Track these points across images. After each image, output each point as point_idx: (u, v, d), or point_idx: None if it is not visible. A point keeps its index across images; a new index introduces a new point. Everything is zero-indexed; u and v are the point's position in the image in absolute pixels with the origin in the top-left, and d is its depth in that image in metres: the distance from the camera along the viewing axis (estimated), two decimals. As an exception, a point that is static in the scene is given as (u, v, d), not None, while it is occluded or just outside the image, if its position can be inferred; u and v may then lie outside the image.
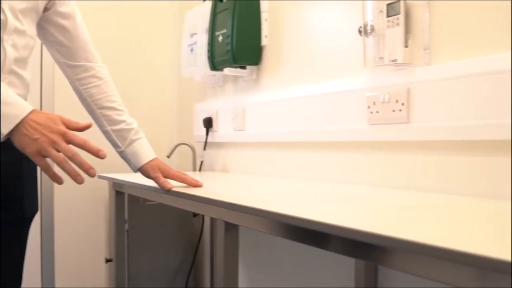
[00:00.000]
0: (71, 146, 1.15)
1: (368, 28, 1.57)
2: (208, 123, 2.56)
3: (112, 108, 1.53)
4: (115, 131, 1.52)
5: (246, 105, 2.28)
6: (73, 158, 1.13)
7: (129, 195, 2.37)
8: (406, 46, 1.49)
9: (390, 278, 1.61)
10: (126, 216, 2.40)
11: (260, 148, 2.22)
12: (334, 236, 0.90)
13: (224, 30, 2.21)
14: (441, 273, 0.71)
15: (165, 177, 1.52)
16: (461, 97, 1.33)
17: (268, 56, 2.19)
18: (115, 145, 1.54)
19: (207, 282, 2.75)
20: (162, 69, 3.06)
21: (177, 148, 2.77)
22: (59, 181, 1.16)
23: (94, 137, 1.30)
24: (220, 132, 2.52)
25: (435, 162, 1.42)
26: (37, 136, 1.12)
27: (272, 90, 2.14)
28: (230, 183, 1.83)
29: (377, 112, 1.56)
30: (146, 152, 1.54)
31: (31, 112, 1.15)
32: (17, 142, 1.14)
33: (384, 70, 1.55)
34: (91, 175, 1.13)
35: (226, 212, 1.27)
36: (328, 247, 0.95)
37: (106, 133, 1.54)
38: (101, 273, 2.85)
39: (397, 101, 1.49)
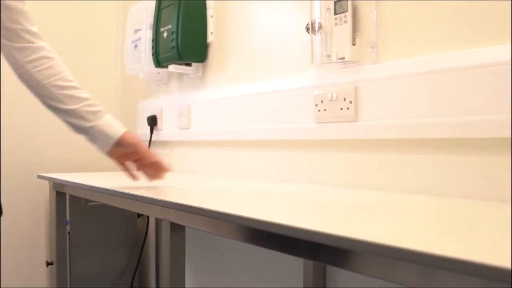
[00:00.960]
0: None
1: (316, 25, 1.56)
2: (152, 121, 2.51)
3: (73, 87, 1.45)
4: (84, 106, 1.43)
5: (191, 103, 2.24)
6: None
7: (71, 196, 2.30)
8: (354, 44, 1.48)
9: (338, 278, 1.61)
10: (67, 218, 2.33)
11: (206, 147, 2.19)
12: (282, 235, 0.88)
13: (169, 26, 2.17)
14: (390, 271, 0.70)
15: (140, 160, 1.50)
16: (408, 95, 1.33)
17: (214, 53, 2.16)
18: (83, 121, 1.43)
19: (152, 283, 2.70)
20: (105, 66, 2.98)
21: (121, 147, 2.70)
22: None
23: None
24: (164, 130, 2.47)
25: (384, 161, 1.42)
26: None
27: (218, 87, 2.11)
28: (175, 182, 1.79)
29: (325, 110, 1.55)
30: (119, 123, 1.48)
31: None
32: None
33: (332, 68, 1.54)
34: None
35: (172, 212, 1.23)
36: (277, 247, 0.93)
37: (69, 112, 1.43)
38: (42, 277, 2.76)
39: (345, 99, 1.49)
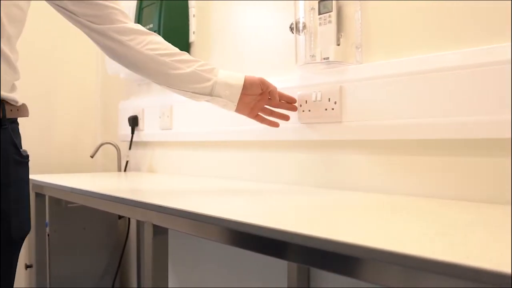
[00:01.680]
0: None
1: (300, 25, 1.55)
2: (133, 121, 2.47)
3: (180, 53, 1.41)
4: (199, 67, 1.39)
5: (173, 103, 2.21)
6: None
7: (50, 197, 2.26)
8: (338, 44, 1.47)
9: (323, 278, 1.60)
10: (47, 220, 2.29)
11: (188, 147, 2.16)
12: (266, 238, 0.86)
13: (151, 25, 2.14)
14: (373, 273, 0.69)
15: (272, 95, 1.49)
16: (393, 96, 1.33)
17: (196, 52, 2.13)
18: (204, 81, 1.40)
19: (134, 284, 2.67)
20: (85, 66, 2.94)
21: (101, 148, 2.66)
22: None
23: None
24: (146, 131, 2.44)
25: (370, 161, 1.41)
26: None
27: (201, 87, 2.08)
28: (157, 183, 1.77)
29: (309, 110, 1.54)
30: (234, 73, 1.45)
31: None
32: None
33: (316, 68, 1.53)
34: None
35: (155, 215, 1.21)
36: (260, 250, 0.91)
37: (187, 76, 1.38)
38: (21, 280, 2.71)
39: (329, 99, 1.48)
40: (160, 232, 1.25)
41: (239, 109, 1.46)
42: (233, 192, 1.44)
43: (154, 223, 1.23)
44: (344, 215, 0.98)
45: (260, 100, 1.48)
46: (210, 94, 1.42)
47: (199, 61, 1.40)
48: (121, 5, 1.41)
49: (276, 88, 1.48)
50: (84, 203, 1.61)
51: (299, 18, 1.55)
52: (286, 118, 1.53)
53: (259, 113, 1.50)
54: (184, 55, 1.40)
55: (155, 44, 1.39)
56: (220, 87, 1.41)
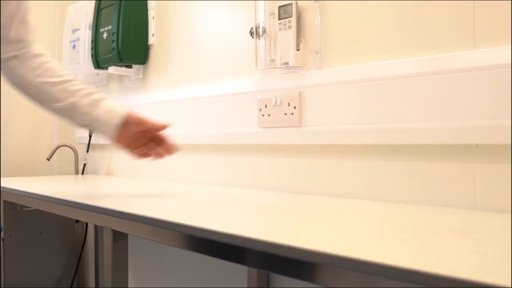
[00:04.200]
0: None
1: (260, 30, 1.56)
2: (91, 124, 2.44)
3: (65, 81, 1.39)
4: (85, 95, 1.38)
5: (132, 106, 2.19)
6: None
7: (5, 201, 2.21)
8: (298, 50, 1.49)
9: (283, 279, 1.60)
10: (1, 224, 2.24)
11: (148, 150, 2.14)
12: (225, 244, 0.86)
13: (109, 27, 2.12)
14: (331, 279, 0.70)
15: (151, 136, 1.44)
16: (351, 101, 1.34)
17: (155, 55, 2.12)
18: (88, 108, 1.37)
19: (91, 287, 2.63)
20: (41, 66, 2.88)
21: (58, 150, 2.62)
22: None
23: None
24: (104, 133, 2.40)
25: (329, 166, 1.43)
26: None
27: (160, 90, 2.07)
28: (115, 187, 1.75)
29: (269, 115, 1.54)
30: (118, 106, 1.41)
31: None
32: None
33: (276, 73, 1.54)
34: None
35: (115, 220, 1.20)
36: (220, 255, 0.91)
37: (72, 105, 1.37)
38: (-27, 285, 2.65)
39: (289, 104, 1.49)
40: (119, 237, 1.24)
41: (117, 142, 1.42)
42: (192, 196, 1.43)
43: (113, 229, 1.22)
44: (305, 220, 0.98)
45: (140, 138, 1.43)
46: (87, 126, 1.45)
47: (82, 89, 1.39)
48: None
49: (159, 130, 1.44)
50: (41, 207, 1.58)
51: (259, 23, 1.56)
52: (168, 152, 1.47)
53: (135, 150, 1.44)
54: (72, 82, 1.40)
55: (44, 69, 1.40)
56: (97, 124, 1.39)
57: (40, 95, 1.39)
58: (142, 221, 1.08)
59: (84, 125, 1.42)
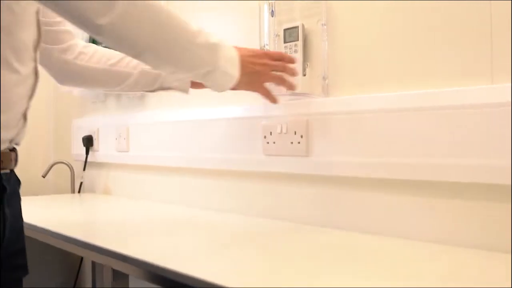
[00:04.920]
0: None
1: (265, 52, 1.49)
2: (88, 142, 2.36)
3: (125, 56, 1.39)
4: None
5: (130, 125, 2.12)
6: (285, 70, 1.31)
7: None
8: (304, 75, 1.42)
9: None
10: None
11: (146, 171, 2.07)
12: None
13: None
14: None
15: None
16: (362, 133, 1.27)
17: (154, 72, 2.05)
18: (151, 79, 1.40)
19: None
20: (36, 80, 2.81)
21: (54, 167, 2.54)
22: (277, 101, 1.36)
23: None
24: (101, 151, 2.33)
25: (337, 197, 1.36)
26: (258, 68, 1.25)
27: (160, 110, 2.00)
28: (114, 211, 1.69)
29: (274, 142, 1.47)
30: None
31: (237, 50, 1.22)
32: (244, 82, 1.23)
33: (282, 99, 1.47)
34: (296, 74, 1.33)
35: (114, 261, 1.13)
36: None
37: (134, 81, 1.39)
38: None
39: (295, 132, 1.42)
40: (120, 277, 1.18)
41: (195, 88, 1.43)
42: (195, 225, 1.37)
43: (114, 268, 1.15)
44: (305, 261, 0.92)
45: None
46: (160, 89, 1.43)
47: None
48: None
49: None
50: (34, 236, 1.50)
51: (264, 45, 1.50)
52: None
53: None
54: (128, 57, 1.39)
55: (100, 55, 1.40)
56: (169, 79, 1.40)
57: (110, 78, 1.39)
58: (143, 266, 1.02)
59: (154, 90, 1.43)
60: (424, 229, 1.18)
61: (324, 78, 1.39)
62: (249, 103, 1.55)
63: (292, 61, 1.34)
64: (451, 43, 1.14)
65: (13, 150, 1.08)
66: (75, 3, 0.93)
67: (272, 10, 1.47)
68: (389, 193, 1.25)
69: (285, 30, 1.45)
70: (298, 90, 1.40)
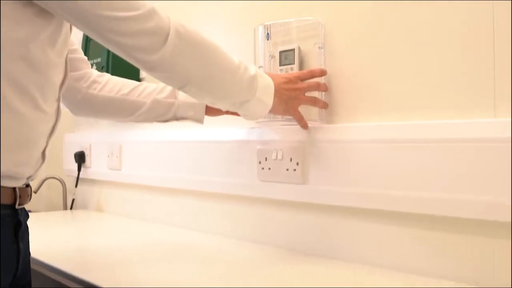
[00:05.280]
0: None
1: (259, 74, 1.44)
2: (80, 158, 2.31)
3: (138, 84, 1.40)
4: (159, 92, 1.38)
5: (123, 142, 2.07)
6: (319, 88, 1.31)
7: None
8: (301, 99, 1.37)
9: None
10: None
11: (139, 190, 2.02)
12: None
13: (98, 59, 2.01)
14: None
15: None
16: (359, 163, 1.23)
17: (147, 90, 2.00)
18: (165, 109, 1.38)
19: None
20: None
21: (46, 182, 2.49)
22: (307, 127, 1.33)
23: None
24: (93, 168, 2.28)
25: (330, 227, 1.32)
26: (292, 94, 1.26)
27: (153, 128, 1.95)
28: (108, 234, 1.64)
29: (269, 168, 1.43)
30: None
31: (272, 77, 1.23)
32: (280, 108, 1.26)
33: (277, 123, 1.43)
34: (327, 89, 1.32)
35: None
36: None
37: (148, 110, 1.37)
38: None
39: (291, 159, 1.37)
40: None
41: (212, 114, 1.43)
42: (190, 256, 1.32)
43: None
44: None
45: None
46: (174, 119, 1.39)
47: (157, 85, 1.38)
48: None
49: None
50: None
51: (259, 67, 1.45)
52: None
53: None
54: (142, 85, 1.38)
55: (113, 84, 1.38)
56: (183, 109, 1.38)
57: (123, 107, 1.37)
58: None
59: (168, 120, 1.40)
60: (416, 262, 1.14)
61: (321, 104, 1.35)
62: (245, 125, 1.51)
63: (324, 73, 1.32)
64: (453, 73, 1.10)
65: (28, 185, 1.07)
66: (126, 41, 0.97)
67: (268, 33, 1.43)
68: (384, 224, 1.21)
69: (281, 52, 1.41)
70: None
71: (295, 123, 1.35)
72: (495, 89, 1.03)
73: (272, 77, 1.24)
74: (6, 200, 0.97)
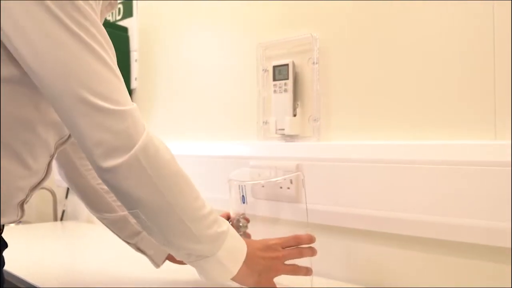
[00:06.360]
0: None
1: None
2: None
3: None
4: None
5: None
6: (303, 255, 1.11)
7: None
8: (295, 115, 1.35)
9: None
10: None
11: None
12: None
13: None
14: None
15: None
16: (356, 182, 1.20)
17: (138, 101, 1.97)
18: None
19: None
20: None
21: (36, 193, 2.45)
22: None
23: None
24: (84, 179, 2.24)
25: (325, 246, 1.29)
26: (269, 263, 1.07)
27: (144, 140, 1.91)
28: (94, 247, 1.60)
29: (263, 186, 1.39)
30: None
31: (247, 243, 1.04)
32: (252, 280, 1.04)
33: (271, 139, 1.40)
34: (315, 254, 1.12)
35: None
36: None
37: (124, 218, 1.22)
38: None
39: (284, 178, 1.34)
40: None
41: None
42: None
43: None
44: None
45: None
46: (135, 248, 1.23)
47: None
48: None
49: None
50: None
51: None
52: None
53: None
54: None
55: None
56: (146, 243, 1.22)
57: (97, 200, 1.22)
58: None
59: (133, 243, 1.22)
60: (407, 281, 1.11)
61: (315, 120, 1.32)
62: (237, 139, 1.48)
63: (312, 240, 1.12)
64: (452, 92, 1.07)
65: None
66: (84, 142, 0.84)
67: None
68: (379, 244, 1.18)
69: (274, 67, 1.38)
70: (288, 132, 1.33)
71: (290, 139, 1.32)
72: (496, 110, 1.00)
73: (249, 243, 1.05)
74: None
